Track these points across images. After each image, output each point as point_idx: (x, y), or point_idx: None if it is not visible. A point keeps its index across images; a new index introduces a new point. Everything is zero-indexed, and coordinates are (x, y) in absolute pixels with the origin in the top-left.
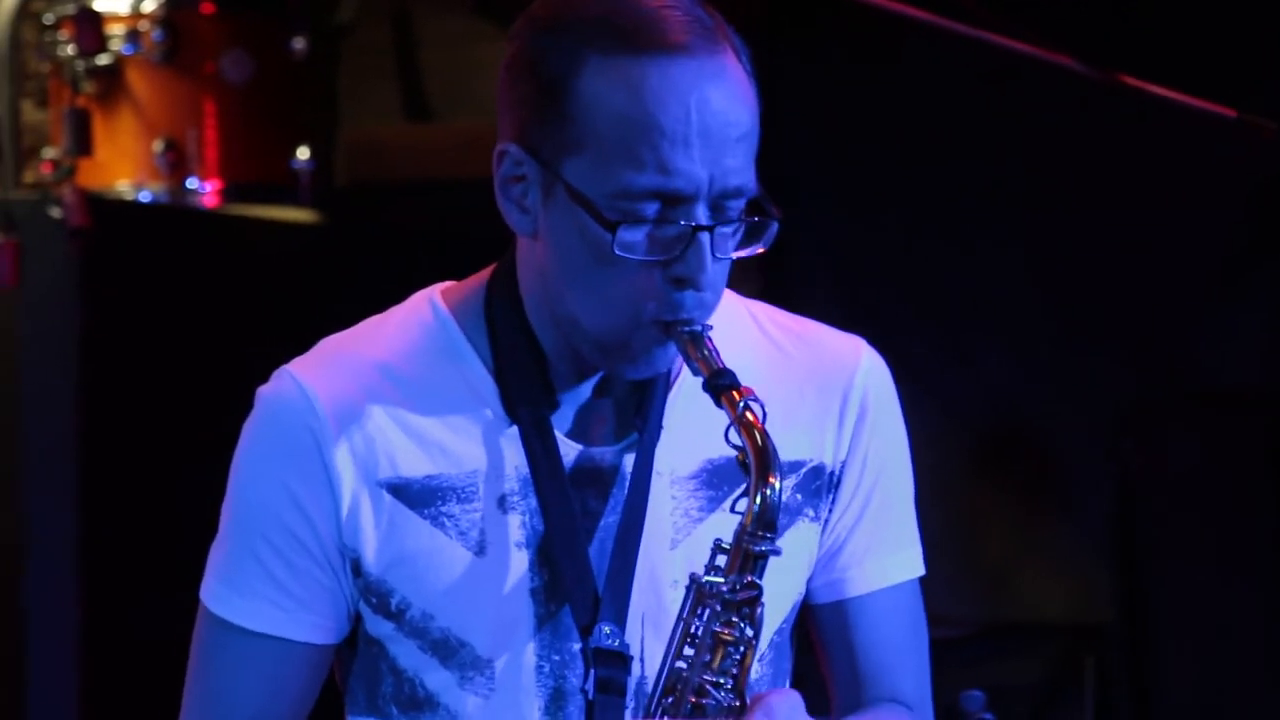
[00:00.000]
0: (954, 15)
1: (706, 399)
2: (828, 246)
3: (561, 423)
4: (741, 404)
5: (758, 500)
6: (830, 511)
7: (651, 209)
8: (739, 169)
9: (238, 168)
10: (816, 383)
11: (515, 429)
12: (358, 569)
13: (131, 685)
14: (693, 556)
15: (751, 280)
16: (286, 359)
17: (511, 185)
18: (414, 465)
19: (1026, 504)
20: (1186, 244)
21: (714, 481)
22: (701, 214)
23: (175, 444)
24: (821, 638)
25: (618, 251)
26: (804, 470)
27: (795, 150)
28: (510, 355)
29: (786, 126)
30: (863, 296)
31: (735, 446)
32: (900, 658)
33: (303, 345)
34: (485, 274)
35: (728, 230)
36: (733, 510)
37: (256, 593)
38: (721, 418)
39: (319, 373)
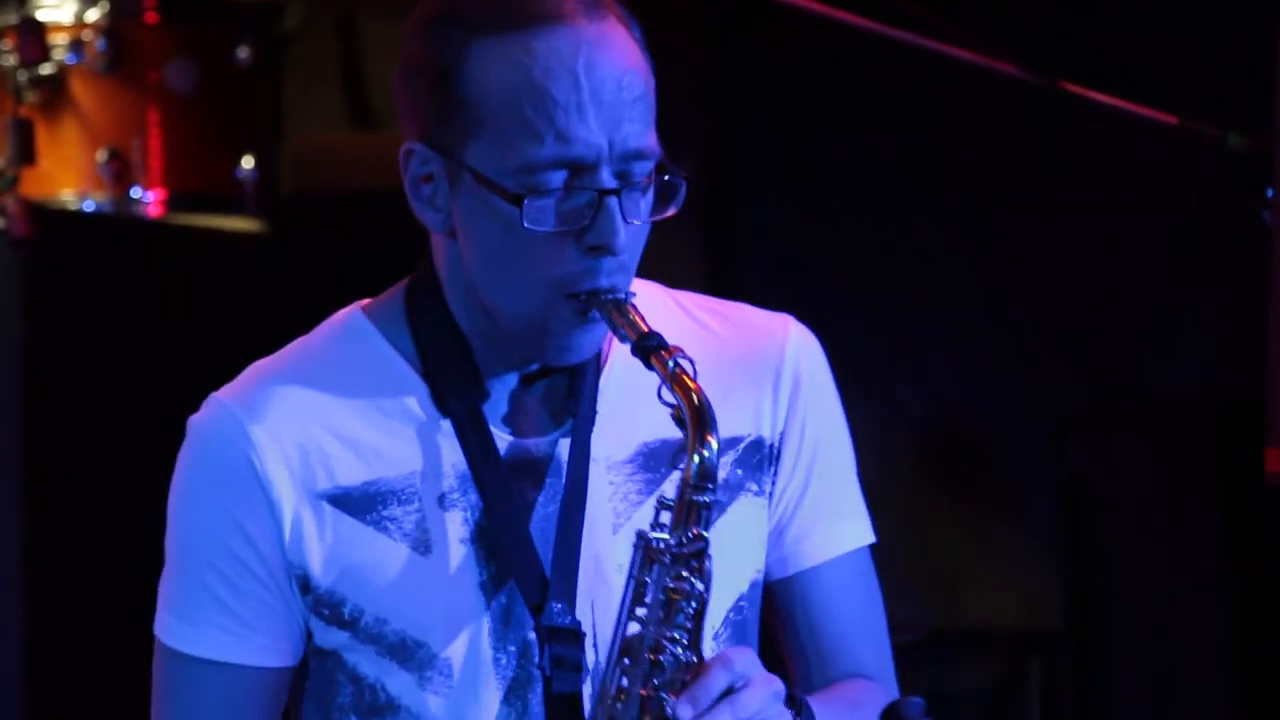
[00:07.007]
0: (901, 24)
1: (637, 383)
2: (773, 247)
3: (494, 414)
4: (671, 362)
5: (696, 453)
6: (773, 485)
7: (556, 179)
8: (638, 132)
9: (182, 177)
10: (748, 359)
11: (448, 425)
12: (306, 586)
13: (75, 700)
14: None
15: (695, 280)
16: (232, 369)
17: (421, 185)
18: (351, 473)
19: (973, 509)
20: (1129, 249)
21: (650, 464)
22: (606, 178)
23: (120, 454)
24: (779, 618)
25: (526, 225)
26: (743, 445)
27: (744, 150)
28: (435, 350)
29: (736, 126)
30: (808, 299)
31: (668, 404)
32: (859, 629)
33: (248, 354)
34: (405, 282)
35: (636, 194)
36: (674, 466)
37: (206, 620)
38: (654, 401)
39: (247, 396)
